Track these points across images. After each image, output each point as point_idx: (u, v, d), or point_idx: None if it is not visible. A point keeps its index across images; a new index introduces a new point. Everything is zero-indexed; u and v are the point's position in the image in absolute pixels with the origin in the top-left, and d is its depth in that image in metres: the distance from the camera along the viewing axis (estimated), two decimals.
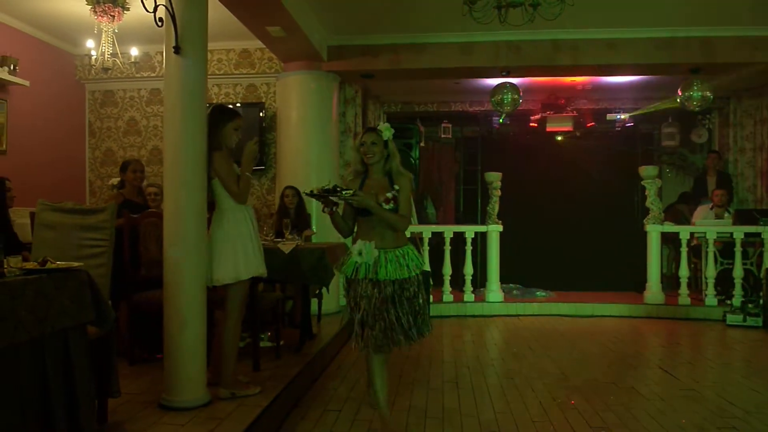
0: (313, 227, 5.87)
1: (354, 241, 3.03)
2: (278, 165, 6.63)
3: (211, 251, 3.33)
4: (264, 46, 6.31)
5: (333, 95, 6.64)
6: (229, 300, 3.38)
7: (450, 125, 8.76)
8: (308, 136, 6.37)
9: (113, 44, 5.56)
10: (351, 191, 2.83)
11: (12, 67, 5.78)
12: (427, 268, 6.19)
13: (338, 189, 2.83)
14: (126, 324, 3.97)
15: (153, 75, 7.06)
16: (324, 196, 2.83)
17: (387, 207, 2.89)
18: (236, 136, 3.42)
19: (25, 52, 6.12)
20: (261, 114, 6.94)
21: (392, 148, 2.98)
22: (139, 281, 4.01)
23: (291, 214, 5.43)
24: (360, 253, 2.92)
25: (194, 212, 3.30)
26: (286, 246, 4.29)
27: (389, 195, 2.91)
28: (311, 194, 2.87)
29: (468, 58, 6.37)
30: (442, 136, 8.81)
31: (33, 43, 6.32)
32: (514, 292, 7.68)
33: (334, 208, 2.89)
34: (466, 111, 8.76)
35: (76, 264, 2.47)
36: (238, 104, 6.92)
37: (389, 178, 2.98)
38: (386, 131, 2.95)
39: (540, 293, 7.60)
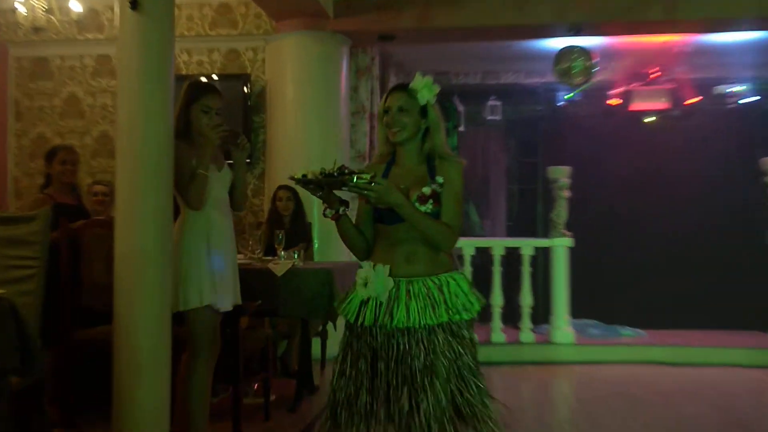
0: (315, 241, 5.86)
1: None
2: (268, 158, 6.64)
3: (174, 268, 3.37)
4: None
5: (341, 64, 6.66)
6: (194, 334, 3.38)
7: (499, 103, 8.73)
8: (308, 119, 6.39)
9: None
10: (367, 175, 2.36)
11: None
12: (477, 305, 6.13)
13: (347, 172, 2.34)
14: (60, 371, 3.97)
15: (101, 37, 7.12)
16: (322, 183, 2.36)
17: (423, 209, 2.50)
18: (207, 119, 3.41)
19: None
20: (245, 89, 6.97)
21: (434, 118, 2.57)
22: (79, 313, 4.02)
23: (285, 224, 5.44)
24: (366, 283, 2.53)
25: (156, 220, 3.33)
26: (279, 266, 4.29)
27: (427, 191, 2.51)
28: (302, 181, 2.39)
29: (522, 12, 6.34)
30: (489, 117, 8.78)
31: None
32: (591, 330, 7.58)
33: (342, 210, 2.50)
34: (520, 84, 8.72)
35: None
36: (214, 76, 6.96)
37: (429, 165, 2.59)
38: (424, 90, 2.55)
39: (626, 332, 7.50)
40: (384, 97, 2.67)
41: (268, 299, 4.10)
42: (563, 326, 7.07)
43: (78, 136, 7.24)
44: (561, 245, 7.11)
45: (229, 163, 3.58)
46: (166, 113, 3.43)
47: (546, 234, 7.35)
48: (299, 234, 5.45)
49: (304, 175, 2.38)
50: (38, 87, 7.32)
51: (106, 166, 6.96)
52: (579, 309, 7.32)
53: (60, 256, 3.93)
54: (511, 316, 7.21)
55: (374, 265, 2.52)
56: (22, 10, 5.71)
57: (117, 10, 3.53)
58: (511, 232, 8.80)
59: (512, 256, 7.14)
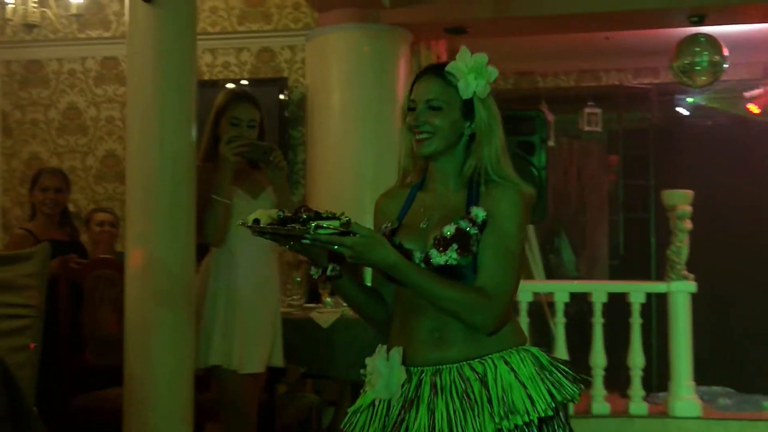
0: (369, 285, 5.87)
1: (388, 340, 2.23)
2: (310, 181, 6.68)
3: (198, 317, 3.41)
4: None
5: (400, 64, 6.66)
6: (222, 401, 3.41)
7: (598, 111, 8.67)
8: (359, 132, 6.40)
9: None
10: (336, 222, 1.91)
11: None
12: (563, 355, 6.07)
13: (304, 216, 1.94)
14: None
15: (107, 36, 7.26)
16: (268, 233, 2.00)
17: (439, 260, 2.06)
18: (235, 133, 3.46)
19: None
20: (281, 97, 7.06)
21: (484, 120, 2.16)
22: (83, 373, 4.09)
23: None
24: (371, 378, 2.15)
25: (176, 258, 3.36)
26: (325, 316, 4.30)
27: (449, 231, 2.07)
28: (253, 229, 2.00)
29: None
30: (586, 128, 8.72)
31: None
32: (722, 400, 7.40)
33: (332, 269, 2.08)
34: (625, 86, 8.66)
35: None
36: (244, 82, 7.06)
37: (470, 191, 2.17)
38: (471, 74, 2.16)
39: None
40: (410, 85, 2.25)
41: (312, 357, 4.10)
42: (686, 395, 6.90)
43: (79, 156, 7.39)
44: (682, 291, 6.96)
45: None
46: (187, 127, 3.49)
47: (661, 276, 7.22)
48: None
49: (257, 220, 1.96)
50: (31, 96, 7.46)
51: (113, 193, 7.12)
52: (706, 372, 7.16)
53: (57, 304, 4.01)
54: (617, 381, 7.09)
55: (386, 351, 2.13)
56: (10, 2, 5.86)
57: (127, 2, 3.61)
58: (616, 274, 8.67)
59: (618, 305, 7.03)
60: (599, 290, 6.97)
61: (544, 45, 7.76)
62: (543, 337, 7.29)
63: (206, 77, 6.99)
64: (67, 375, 4.06)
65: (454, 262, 2.05)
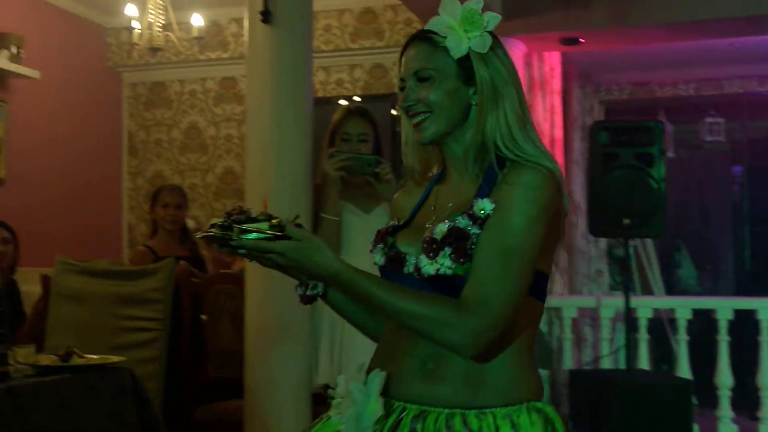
0: None
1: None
2: None
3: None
4: (397, 2, 6.49)
5: None
6: None
7: (721, 120, 8.48)
8: None
9: (165, 10, 6.02)
10: (265, 224, 1.61)
11: (16, 51, 6.39)
12: (686, 374, 5.91)
13: (232, 219, 1.65)
14: None
15: (225, 57, 7.48)
16: (219, 238, 1.68)
17: (429, 269, 1.62)
18: (346, 148, 3.42)
19: (33, 27, 6.77)
20: (394, 112, 7.09)
21: (485, 79, 1.70)
22: (204, 385, 4.19)
23: None
24: (340, 404, 1.75)
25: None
26: None
27: (440, 231, 1.63)
28: (199, 235, 1.74)
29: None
30: (708, 138, 8.54)
31: (45, 11, 6.97)
32: None
33: (312, 287, 1.77)
34: (750, 94, 8.42)
35: (114, 358, 2.65)
36: (357, 98, 7.13)
37: (487, 177, 1.71)
38: (461, 27, 1.72)
39: None
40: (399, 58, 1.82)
41: None
42: None
43: (200, 173, 7.61)
44: None
45: None
46: (303, 144, 3.53)
47: None
48: None
49: (214, 224, 1.65)
50: (155, 117, 7.75)
51: (230, 208, 7.27)
52: None
53: (181, 318, 4.13)
54: (745, 402, 6.85)
55: (363, 374, 1.72)
56: (137, 27, 6.05)
57: (246, 24, 3.70)
58: (743, 290, 8.42)
59: (745, 322, 6.81)
60: (724, 307, 6.76)
61: (663, 54, 7.63)
62: (664, 356, 7.14)
63: (320, 94, 7.04)
64: (190, 387, 4.15)
65: (449, 272, 1.60)
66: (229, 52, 7.47)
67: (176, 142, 7.73)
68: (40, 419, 2.35)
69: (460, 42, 1.70)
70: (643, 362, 6.00)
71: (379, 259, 1.79)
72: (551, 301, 6.61)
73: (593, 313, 6.57)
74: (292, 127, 3.57)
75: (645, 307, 6.19)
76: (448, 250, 1.60)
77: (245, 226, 1.61)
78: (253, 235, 1.60)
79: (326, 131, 3.48)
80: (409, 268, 1.69)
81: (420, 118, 1.71)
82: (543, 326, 6.27)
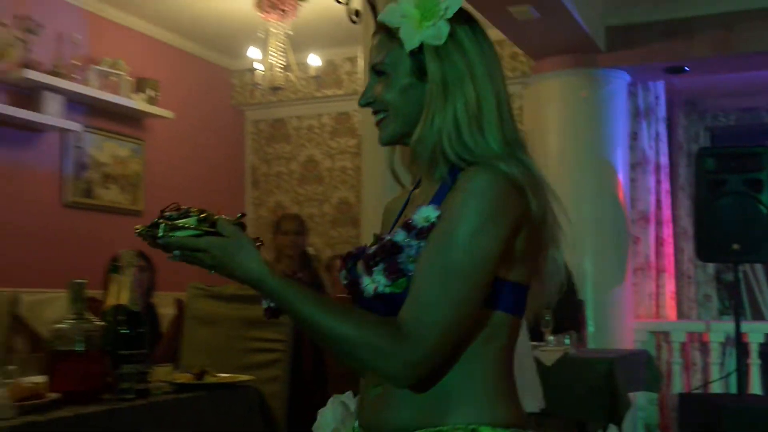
0: (590, 324, 5.81)
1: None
2: None
3: None
4: (504, 38, 6.48)
5: (617, 106, 6.58)
6: None
7: None
8: (577, 174, 6.32)
9: (285, 52, 6.23)
10: (193, 219, 1.40)
11: (153, 94, 6.75)
12: None
13: (164, 215, 1.44)
14: None
15: (339, 93, 7.68)
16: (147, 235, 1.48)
17: (369, 286, 1.43)
18: None
19: (166, 71, 7.15)
20: None
21: (435, 77, 1.46)
22: (324, 404, 4.30)
23: (552, 303, 5.44)
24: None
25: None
26: (548, 354, 4.34)
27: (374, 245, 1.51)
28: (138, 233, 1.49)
29: None
30: None
31: (177, 56, 7.34)
32: None
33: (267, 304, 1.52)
34: None
35: (243, 377, 2.80)
36: None
37: (450, 176, 1.47)
38: (408, 19, 1.47)
39: None
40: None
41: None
42: None
43: (317, 203, 7.79)
44: None
45: None
46: None
47: None
48: (569, 315, 5.41)
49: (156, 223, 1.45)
50: (275, 151, 8.02)
51: (347, 236, 7.44)
52: None
53: (302, 340, 4.20)
54: None
55: (341, 399, 1.82)
56: (259, 68, 6.26)
57: (360, 62, 3.84)
58: None
59: None
60: None
61: None
62: None
63: None
64: (311, 405, 4.27)
65: (386, 290, 1.40)
66: (343, 89, 7.67)
67: (295, 174, 7.95)
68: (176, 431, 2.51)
69: (410, 35, 1.46)
70: (755, 387, 5.86)
71: (344, 285, 1.59)
72: (660, 324, 6.58)
73: (702, 337, 6.46)
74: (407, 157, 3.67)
75: (756, 332, 6.05)
76: (381, 266, 1.41)
77: (174, 223, 1.44)
78: (182, 232, 1.42)
79: None
80: (363, 285, 1.45)
81: (379, 117, 1.54)
82: (652, 350, 6.21)
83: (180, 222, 1.42)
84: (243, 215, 1.50)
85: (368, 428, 1.50)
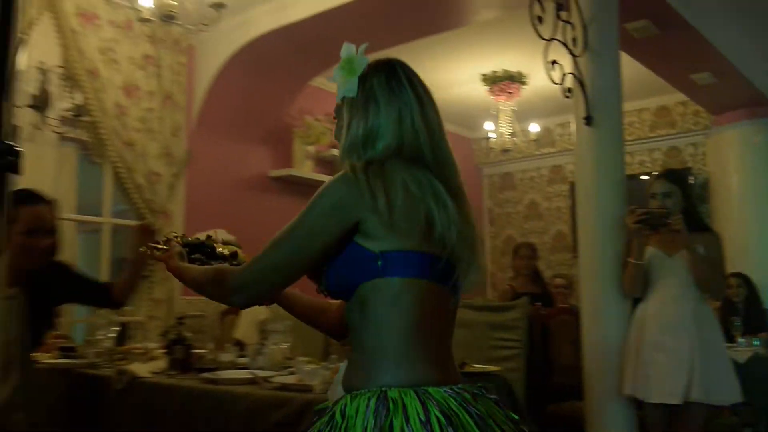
0: None
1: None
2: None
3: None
4: (687, 99, 6.14)
5: None
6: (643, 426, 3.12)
7: None
8: (755, 210, 5.81)
9: (512, 123, 6.19)
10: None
11: None
12: None
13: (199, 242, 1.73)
14: None
15: (553, 150, 7.53)
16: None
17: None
18: (655, 204, 3.13)
19: None
20: (689, 181, 6.66)
21: (344, 120, 1.43)
22: (552, 389, 4.13)
23: (740, 309, 4.97)
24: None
25: (617, 310, 3.29)
26: (740, 353, 3.91)
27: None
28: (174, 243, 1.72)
29: None
30: None
31: None
32: None
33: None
34: None
35: (493, 368, 2.71)
36: (656, 174, 6.75)
37: None
38: (339, 77, 1.44)
39: None
40: None
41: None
42: None
43: (538, 235, 7.60)
44: None
45: None
46: (619, 209, 3.38)
47: None
48: (755, 320, 4.91)
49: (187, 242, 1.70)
50: (505, 197, 7.96)
51: (562, 260, 7.22)
52: None
53: (532, 339, 4.13)
54: None
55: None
56: (493, 137, 6.32)
57: (572, 126, 3.68)
58: None
59: None
60: None
61: None
62: None
63: (627, 172, 6.76)
64: (542, 390, 4.11)
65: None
66: (556, 147, 7.51)
67: (521, 213, 7.84)
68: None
69: (339, 89, 1.43)
70: None
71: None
72: None
73: None
74: (611, 198, 3.47)
75: None
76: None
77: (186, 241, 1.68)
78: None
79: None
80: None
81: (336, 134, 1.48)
82: None
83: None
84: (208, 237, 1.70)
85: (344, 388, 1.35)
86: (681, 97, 6.15)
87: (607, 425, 3.26)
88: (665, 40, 4.44)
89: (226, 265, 1.60)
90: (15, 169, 1.01)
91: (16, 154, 1.01)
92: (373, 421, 1.18)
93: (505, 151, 6.20)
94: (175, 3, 3.59)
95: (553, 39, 3.36)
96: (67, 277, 2.56)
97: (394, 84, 1.40)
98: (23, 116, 3.90)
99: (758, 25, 5.17)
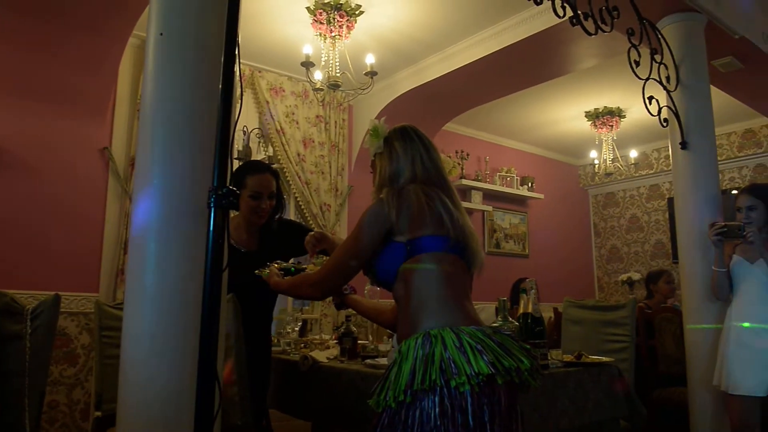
0: None
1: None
2: None
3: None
4: None
5: None
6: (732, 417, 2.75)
7: None
8: None
9: (613, 150, 5.86)
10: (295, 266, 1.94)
11: (530, 185, 6.73)
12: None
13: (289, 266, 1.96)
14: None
15: (651, 172, 7.05)
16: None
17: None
18: (741, 218, 2.86)
19: (538, 171, 7.07)
20: None
21: (378, 167, 1.68)
22: (658, 377, 3.84)
23: None
24: None
25: (711, 310, 3.01)
26: None
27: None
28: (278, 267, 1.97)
29: None
30: None
31: (544, 162, 7.24)
32: None
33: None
34: None
35: (606, 359, 2.54)
36: (741, 188, 6.13)
37: None
38: (371, 138, 1.70)
39: None
40: None
41: None
42: None
43: (639, 244, 7.15)
44: None
45: None
46: (711, 218, 3.12)
47: None
48: None
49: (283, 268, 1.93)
50: (609, 213, 7.50)
51: (662, 265, 6.69)
52: None
53: (638, 333, 3.86)
54: None
55: None
56: (596, 162, 6.04)
57: (669, 150, 3.44)
58: None
59: None
60: None
61: None
62: None
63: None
64: (649, 378, 3.84)
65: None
66: (653, 169, 7.01)
67: (623, 226, 7.35)
68: (567, 392, 2.30)
69: (371, 149, 1.67)
70: None
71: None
72: None
73: None
74: (706, 211, 3.20)
75: None
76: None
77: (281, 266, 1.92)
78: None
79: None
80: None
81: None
82: None
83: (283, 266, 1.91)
84: (299, 263, 1.92)
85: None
86: (765, 120, 5.57)
87: (706, 410, 2.97)
88: (748, 72, 4.07)
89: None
90: (235, 207, 1.09)
91: (236, 197, 1.08)
92: (421, 352, 1.32)
93: (608, 174, 5.89)
94: (339, 75, 3.73)
95: (649, 78, 3.15)
96: (292, 229, 2.53)
97: (407, 140, 1.62)
98: (235, 166, 4.19)
99: None
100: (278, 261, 1.97)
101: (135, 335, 1.58)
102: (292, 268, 1.91)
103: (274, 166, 4.47)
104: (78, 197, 3.79)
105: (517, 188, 6.55)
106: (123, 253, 3.76)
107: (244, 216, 2.42)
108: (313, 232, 2.11)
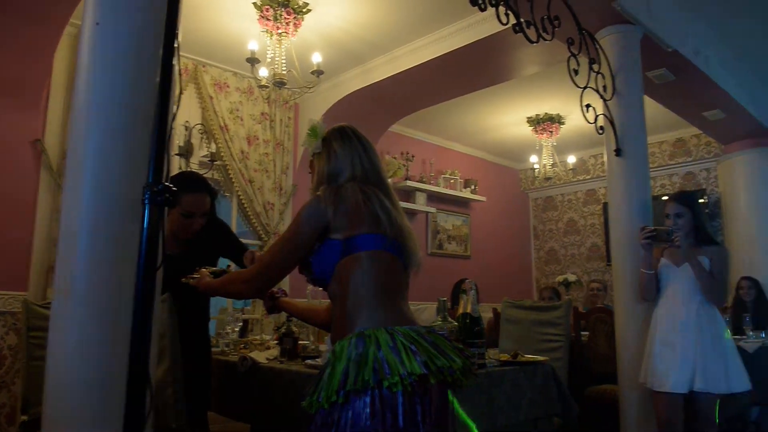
0: None
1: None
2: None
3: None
4: (700, 132, 5.85)
5: None
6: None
7: None
8: (761, 220, 5.45)
9: (553, 155, 6.04)
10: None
11: (473, 188, 6.85)
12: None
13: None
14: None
15: (588, 177, 7.29)
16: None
17: None
18: (669, 223, 2.99)
19: (481, 174, 7.20)
20: (702, 200, 6.33)
21: (316, 166, 1.66)
22: (592, 375, 3.96)
23: (750, 307, 4.67)
24: None
25: (640, 311, 3.14)
26: (750, 344, 3.66)
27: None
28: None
29: None
30: None
31: (486, 165, 7.37)
32: None
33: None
34: None
35: (540, 358, 2.61)
36: (669, 196, 6.46)
37: None
38: (309, 137, 1.67)
39: None
40: None
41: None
42: None
43: (575, 247, 7.37)
44: None
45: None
46: (642, 220, 3.25)
47: None
48: (763, 317, 4.59)
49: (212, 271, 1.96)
50: (547, 216, 7.73)
51: (596, 267, 6.97)
52: None
53: (576, 335, 3.98)
54: None
55: None
56: (536, 167, 6.20)
57: (605, 157, 3.56)
58: None
59: None
60: None
61: None
62: None
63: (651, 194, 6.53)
64: (581, 375, 3.95)
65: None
66: (590, 174, 7.28)
67: (561, 230, 7.58)
68: (503, 391, 2.35)
69: (309, 148, 1.65)
70: None
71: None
72: None
73: None
74: (636, 216, 3.33)
75: None
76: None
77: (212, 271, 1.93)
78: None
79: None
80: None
81: None
82: None
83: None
84: (229, 266, 1.96)
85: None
86: (695, 130, 5.89)
87: (634, 406, 3.10)
88: (681, 84, 4.27)
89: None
90: (170, 204, 1.06)
91: (172, 193, 1.05)
92: (354, 352, 1.29)
93: (547, 179, 6.05)
94: (285, 72, 3.69)
95: (587, 87, 3.27)
96: (222, 232, 2.50)
97: (346, 140, 1.60)
98: (174, 162, 4.08)
99: (762, 66, 4.90)
100: (206, 266, 1.93)
101: (62, 335, 1.52)
102: (224, 271, 1.88)
103: (216, 163, 4.44)
104: (7, 190, 3.59)
105: (461, 190, 6.65)
106: (55, 249, 3.59)
107: (172, 229, 2.35)
108: (248, 251, 2.15)
